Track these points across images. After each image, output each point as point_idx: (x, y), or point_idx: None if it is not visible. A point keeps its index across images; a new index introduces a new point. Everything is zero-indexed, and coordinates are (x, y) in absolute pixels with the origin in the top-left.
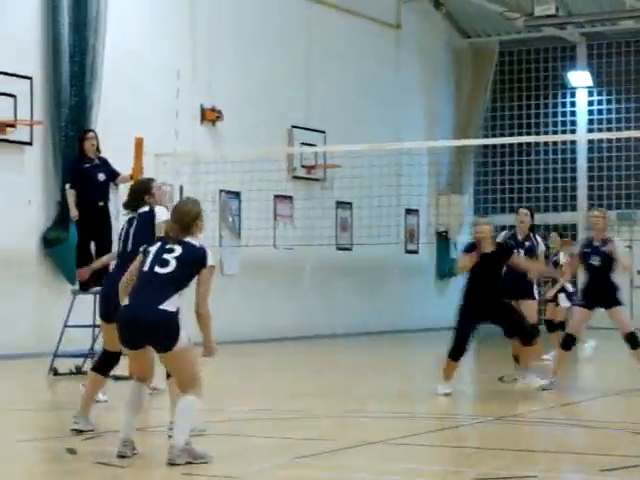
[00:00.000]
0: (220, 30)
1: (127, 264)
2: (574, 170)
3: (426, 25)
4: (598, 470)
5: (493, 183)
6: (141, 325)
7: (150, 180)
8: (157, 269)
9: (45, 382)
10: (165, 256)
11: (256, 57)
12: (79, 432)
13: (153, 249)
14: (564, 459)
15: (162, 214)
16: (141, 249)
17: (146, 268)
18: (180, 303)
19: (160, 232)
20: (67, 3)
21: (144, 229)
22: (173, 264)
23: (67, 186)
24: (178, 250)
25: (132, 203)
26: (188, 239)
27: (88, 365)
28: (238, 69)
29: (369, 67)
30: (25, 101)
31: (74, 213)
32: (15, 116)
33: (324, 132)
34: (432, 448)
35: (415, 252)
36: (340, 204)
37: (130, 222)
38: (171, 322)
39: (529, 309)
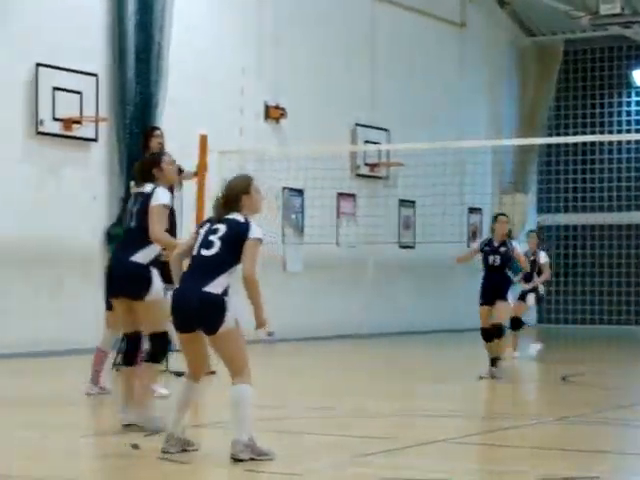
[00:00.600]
0: (285, 28)
1: (130, 241)
2: (638, 169)
3: (490, 23)
4: None
5: (557, 182)
6: (185, 308)
7: (161, 154)
8: (203, 252)
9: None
10: (210, 237)
11: (321, 55)
12: (128, 426)
13: (202, 231)
14: (626, 460)
15: (162, 196)
16: (193, 230)
17: (194, 252)
18: (231, 283)
19: (160, 215)
20: (133, 0)
21: (145, 209)
22: (217, 245)
23: (132, 183)
24: (222, 229)
25: (139, 176)
26: (234, 215)
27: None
28: (302, 67)
29: (433, 65)
30: (91, 98)
31: None
32: (81, 113)
33: (388, 130)
34: (492, 448)
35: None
36: (403, 202)
37: (135, 198)
38: (215, 304)
39: (502, 311)
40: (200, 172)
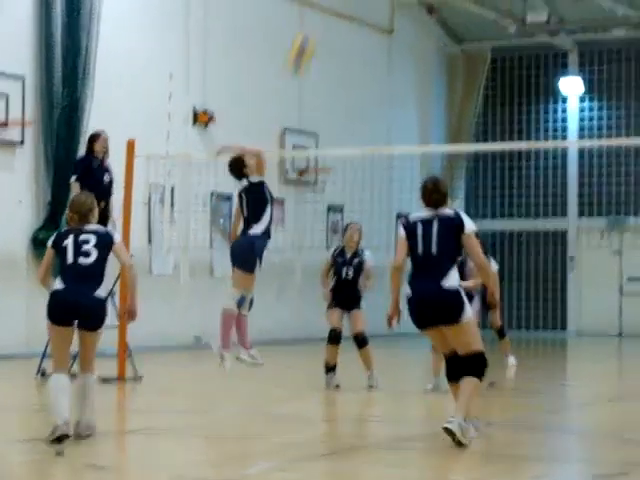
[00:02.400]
0: (213, 33)
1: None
2: (565, 177)
3: (419, 30)
4: (592, 475)
5: (484, 189)
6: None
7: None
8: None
9: (33, 383)
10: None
11: (249, 60)
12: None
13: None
14: (553, 466)
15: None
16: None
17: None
18: None
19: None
20: (61, 3)
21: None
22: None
23: (73, 178)
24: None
25: None
26: (445, 210)
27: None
28: (231, 72)
29: (362, 71)
30: (17, 101)
31: None
32: (7, 115)
33: (316, 135)
34: (420, 453)
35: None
36: (331, 208)
37: None
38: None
39: (357, 319)
40: (127, 178)
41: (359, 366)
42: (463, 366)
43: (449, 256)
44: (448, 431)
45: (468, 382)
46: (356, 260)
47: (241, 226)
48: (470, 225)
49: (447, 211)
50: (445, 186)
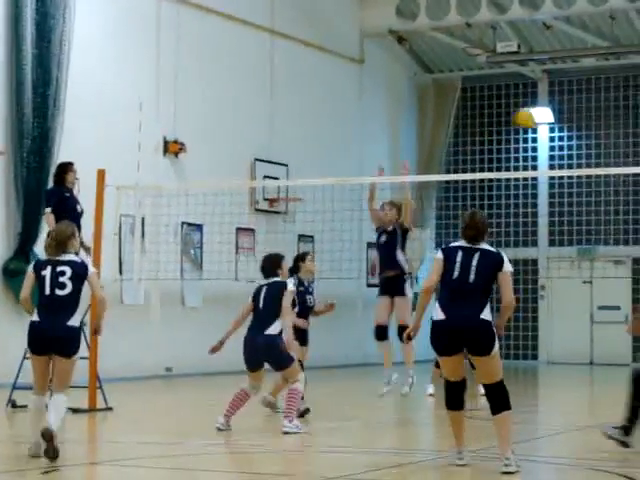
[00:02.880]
0: (184, 63)
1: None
2: (535, 206)
3: (389, 60)
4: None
5: (455, 218)
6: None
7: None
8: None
9: (3, 414)
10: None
11: (220, 90)
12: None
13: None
14: None
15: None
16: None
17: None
18: None
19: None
20: (31, 34)
21: None
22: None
23: (48, 210)
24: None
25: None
26: (484, 246)
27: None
28: (201, 102)
29: (333, 101)
30: None
31: None
32: None
33: (287, 165)
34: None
35: (377, 286)
36: (302, 237)
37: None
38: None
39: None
40: (98, 207)
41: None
42: (489, 396)
43: (485, 288)
44: (509, 474)
45: (505, 417)
46: (311, 288)
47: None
48: (508, 266)
49: (488, 247)
50: (482, 221)
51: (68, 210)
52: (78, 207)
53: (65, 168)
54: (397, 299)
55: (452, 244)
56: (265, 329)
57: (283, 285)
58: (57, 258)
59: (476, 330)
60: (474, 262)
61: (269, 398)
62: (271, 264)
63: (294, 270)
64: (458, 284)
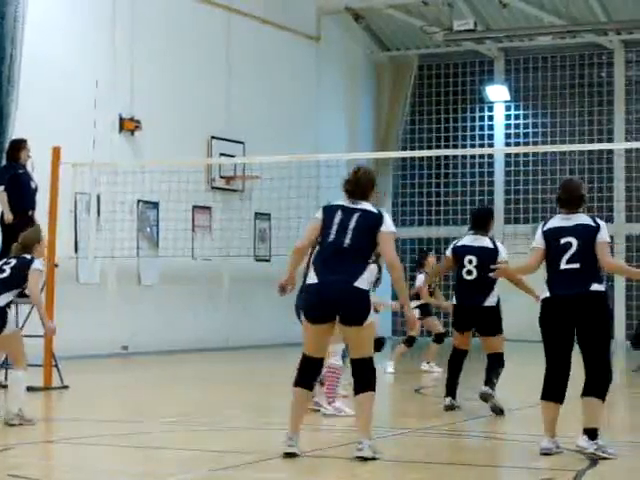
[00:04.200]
0: (140, 39)
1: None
2: (491, 184)
3: (346, 37)
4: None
5: (411, 196)
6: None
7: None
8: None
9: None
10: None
11: (175, 67)
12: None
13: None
14: (475, 471)
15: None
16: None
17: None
18: None
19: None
20: None
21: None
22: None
23: (1, 188)
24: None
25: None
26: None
27: (2, 376)
28: (157, 79)
29: (289, 79)
30: None
31: (10, 216)
32: None
33: (243, 143)
34: (347, 461)
35: None
36: (259, 215)
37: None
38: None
39: None
40: (53, 185)
41: None
42: (354, 373)
43: (363, 253)
44: (362, 459)
45: (368, 398)
46: None
47: None
48: (388, 225)
49: (370, 207)
50: (366, 178)
51: (22, 187)
52: (32, 184)
53: (18, 145)
54: None
55: (334, 202)
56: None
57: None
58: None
59: (348, 298)
60: (352, 224)
61: None
62: None
63: None
64: (334, 247)
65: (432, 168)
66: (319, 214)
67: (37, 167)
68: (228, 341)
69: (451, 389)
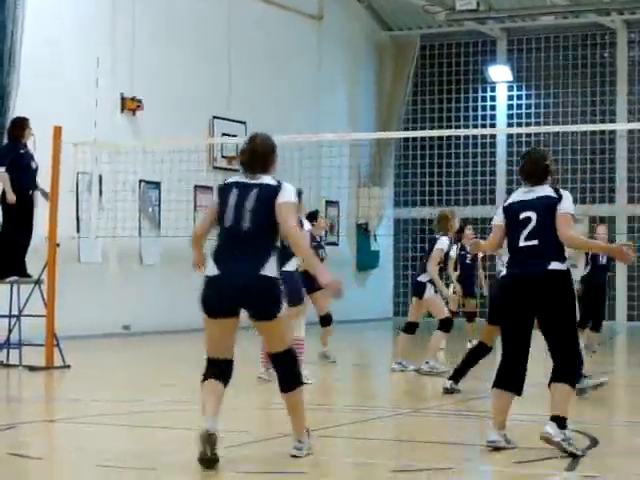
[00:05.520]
0: (141, 19)
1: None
2: (494, 164)
3: (348, 17)
4: (512, 462)
5: (413, 176)
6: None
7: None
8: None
9: None
10: None
11: (177, 47)
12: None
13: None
14: (479, 451)
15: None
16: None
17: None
18: None
19: None
20: None
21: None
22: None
23: (2, 169)
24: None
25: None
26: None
27: (4, 356)
28: (159, 59)
29: (291, 58)
30: None
31: (12, 197)
32: None
33: (245, 123)
34: (349, 440)
35: (335, 244)
36: None
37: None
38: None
39: (324, 299)
40: (54, 164)
41: None
42: (276, 369)
43: (267, 235)
44: (297, 458)
45: (297, 395)
46: (323, 243)
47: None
48: (288, 194)
49: (270, 179)
50: (264, 144)
51: (23, 167)
52: (33, 164)
53: (20, 124)
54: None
55: (230, 179)
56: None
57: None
58: None
59: (253, 289)
60: (249, 203)
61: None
62: None
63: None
64: (232, 232)
65: (434, 148)
66: (215, 196)
67: (39, 147)
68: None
69: (457, 375)
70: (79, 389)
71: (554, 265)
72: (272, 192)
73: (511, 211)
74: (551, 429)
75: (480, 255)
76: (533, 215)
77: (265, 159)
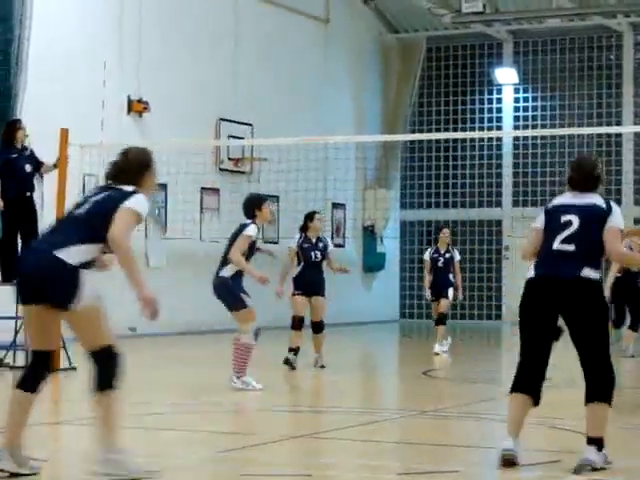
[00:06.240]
0: (147, 21)
1: None
2: (499, 167)
3: (355, 20)
4: (521, 465)
5: (420, 178)
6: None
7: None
8: None
9: None
10: None
11: (183, 49)
12: None
13: None
14: (486, 454)
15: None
16: None
17: None
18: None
19: None
20: None
21: None
22: None
23: None
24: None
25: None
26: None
27: (9, 358)
28: (165, 61)
29: (297, 61)
30: None
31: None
32: None
33: (251, 125)
34: (354, 442)
35: (341, 246)
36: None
37: None
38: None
39: (323, 306)
40: (61, 165)
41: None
42: (95, 369)
43: (90, 225)
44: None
45: (108, 399)
46: (321, 244)
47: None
48: (132, 204)
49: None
50: (135, 158)
51: (15, 172)
52: (27, 167)
53: (12, 126)
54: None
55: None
56: (219, 271)
57: (242, 227)
58: None
59: (42, 270)
60: (97, 197)
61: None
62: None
63: (303, 229)
64: (64, 216)
65: (440, 151)
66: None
67: (45, 148)
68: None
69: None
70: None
71: (587, 272)
72: (122, 195)
73: (554, 213)
74: (591, 455)
75: (457, 258)
76: (576, 219)
77: (131, 173)
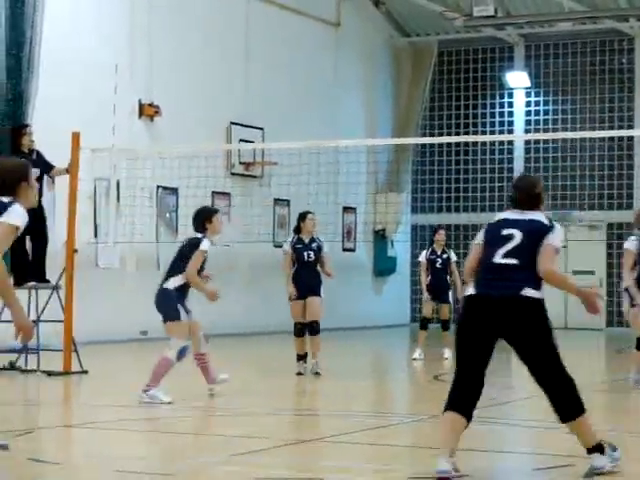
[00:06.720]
0: (159, 25)
1: None
2: (511, 170)
3: (366, 23)
4: (531, 469)
5: (431, 182)
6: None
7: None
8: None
9: None
10: None
11: (195, 53)
12: None
13: None
14: (498, 458)
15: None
16: None
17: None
18: None
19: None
20: None
21: None
22: None
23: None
24: None
25: None
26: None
27: (22, 361)
28: (177, 65)
29: (309, 65)
30: None
31: None
32: None
33: (262, 129)
34: (367, 446)
35: (352, 250)
36: (278, 201)
37: None
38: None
39: (317, 307)
40: (73, 169)
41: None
42: None
43: None
44: None
45: None
46: (314, 245)
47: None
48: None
49: None
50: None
51: None
52: (35, 171)
53: (19, 131)
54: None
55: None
56: (163, 283)
57: (197, 242)
58: None
59: None
60: None
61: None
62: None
63: (297, 230)
64: None
65: (452, 155)
66: None
67: (57, 152)
68: (246, 327)
69: None
70: (97, 394)
71: (526, 291)
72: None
73: (495, 227)
74: (597, 462)
75: (453, 259)
76: (518, 233)
77: (8, 183)
